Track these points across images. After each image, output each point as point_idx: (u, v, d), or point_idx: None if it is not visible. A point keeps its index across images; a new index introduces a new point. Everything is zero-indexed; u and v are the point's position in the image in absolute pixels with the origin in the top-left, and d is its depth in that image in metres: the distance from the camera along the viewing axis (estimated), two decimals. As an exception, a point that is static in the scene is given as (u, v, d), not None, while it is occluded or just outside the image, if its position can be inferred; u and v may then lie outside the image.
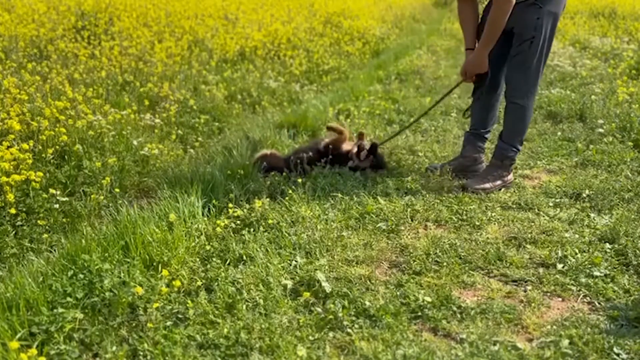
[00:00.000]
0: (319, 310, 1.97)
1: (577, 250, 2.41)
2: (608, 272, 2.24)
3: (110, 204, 2.83)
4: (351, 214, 2.77)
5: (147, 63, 5.20)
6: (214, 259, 2.30)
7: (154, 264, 2.20)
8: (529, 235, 2.55)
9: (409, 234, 2.61)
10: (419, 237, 2.58)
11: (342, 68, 6.82)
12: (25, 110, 3.43)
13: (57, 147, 3.18)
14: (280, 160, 3.39)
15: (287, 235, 2.52)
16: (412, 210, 2.82)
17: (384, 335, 1.85)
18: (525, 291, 2.14)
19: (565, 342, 1.82)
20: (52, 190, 2.70)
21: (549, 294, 2.14)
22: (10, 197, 2.54)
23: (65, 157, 3.18)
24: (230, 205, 2.71)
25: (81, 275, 2.01)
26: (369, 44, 8.77)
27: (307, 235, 2.52)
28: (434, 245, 2.46)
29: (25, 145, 2.91)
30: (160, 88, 4.59)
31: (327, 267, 2.28)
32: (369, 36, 9.21)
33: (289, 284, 2.13)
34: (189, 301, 1.99)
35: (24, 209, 2.62)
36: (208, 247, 2.41)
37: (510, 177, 3.21)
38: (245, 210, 2.73)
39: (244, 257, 2.32)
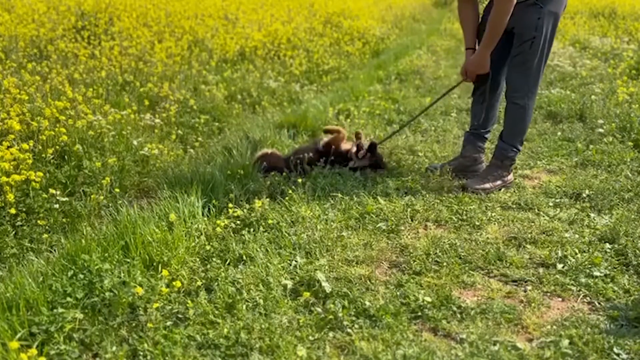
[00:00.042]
0: (319, 310, 1.97)
1: (577, 250, 2.41)
2: (608, 272, 2.24)
3: (110, 204, 2.83)
4: (351, 214, 2.77)
5: (147, 63, 5.20)
6: (214, 259, 2.30)
7: (154, 264, 2.20)
8: (529, 235, 2.55)
9: (409, 234, 2.61)
10: (419, 237, 2.58)
11: (342, 68, 6.82)
12: (25, 110, 3.43)
13: (57, 147, 3.18)
14: (281, 160, 3.39)
15: (287, 235, 2.52)
16: (412, 210, 2.82)
17: (384, 335, 1.85)
18: (525, 291, 2.14)
19: (565, 342, 1.82)
20: (52, 190, 2.70)
21: (549, 294, 2.14)
22: (10, 197, 2.54)
23: (65, 157, 3.18)
24: (230, 205, 2.71)
25: (81, 275, 2.01)
26: (369, 44, 8.77)
27: (307, 235, 2.52)
28: (434, 245, 2.46)
29: (25, 145, 2.91)
30: (160, 88, 4.60)
31: (327, 267, 2.28)
32: (369, 36, 9.21)
33: (289, 284, 2.13)
34: (189, 301, 1.99)
35: (24, 209, 2.61)
36: (208, 247, 2.41)
37: (510, 177, 3.21)
38: (245, 210, 2.73)
39: (244, 257, 2.32)
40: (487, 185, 3.11)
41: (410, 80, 6.51)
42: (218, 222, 2.56)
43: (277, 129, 4.15)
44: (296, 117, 4.37)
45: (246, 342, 1.79)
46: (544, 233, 2.60)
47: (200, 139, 4.01)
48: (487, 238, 2.56)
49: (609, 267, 2.28)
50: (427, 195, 3.02)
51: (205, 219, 2.65)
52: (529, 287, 2.17)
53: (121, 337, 1.81)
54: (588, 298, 2.10)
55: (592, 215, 2.78)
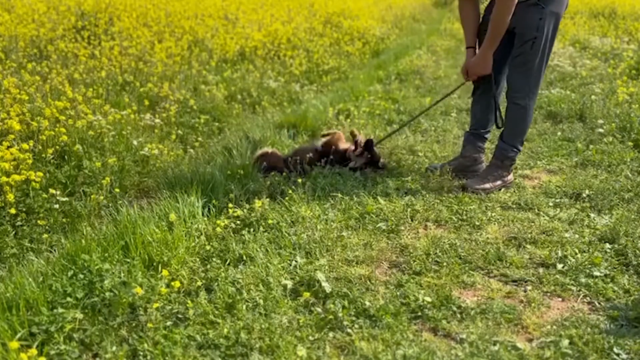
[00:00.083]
0: (319, 310, 1.97)
1: (577, 250, 2.41)
2: (608, 272, 2.24)
3: (110, 204, 2.83)
4: (351, 214, 2.77)
5: (147, 63, 5.20)
6: (214, 259, 2.30)
7: (154, 264, 2.20)
8: (529, 235, 2.55)
9: (409, 234, 2.61)
10: (419, 237, 2.58)
11: (342, 68, 6.82)
12: (25, 110, 3.43)
13: (57, 147, 3.18)
14: (280, 159, 3.39)
15: (287, 235, 2.52)
16: (412, 210, 2.82)
17: (384, 335, 1.85)
18: (525, 291, 2.14)
19: (565, 342, 1.82)
20: (52, 190, 2.70)
21: (549, 294, 2.14)
22: (10, 197, 2.54)
23: (65, 157, 3.18)
24: (230, 205, 2.71)
25: (81, 275, 2.00)
26: (369, 44, 8.77)
27: (307, 235, 2.52)
28: (434, 245, 2.46)
29: (25, 145, 2.91)
30: (160, 88, 4.60)
31: (327, 267, 2.28)
32: (369, 36, 9.21)
33: (289, 284, 2.13)
34: (189, 301, 1.99)
35: (24, 209, 2.61)
36: (208, 247, 2.40)
37: (510, 177, 3.21)
38: (245, 210, 2.73)
39: (244, 257, 2.32)
40: (487, 185, 3.11)
41: (410, 80, 6.51)
42: (218, 222, 2.56)
43: (277, 129, 4.15)
44: (296, 117, 4.37)
45: (246, 342, 1.79)
46: (544, 233, 2.60)
47: (200, 139, 4.01)
48: (487, 238, 2.56)
49: (609, 267, 2.28)
50: (427, 195, 3.02)
51: (205, 219, 2.65)
52: (529, 287, 2.17)
53: (121, 337, 1.81)
54: (588, 298, 2.10)
55: (592, 215, 2.78)
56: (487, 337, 1.85)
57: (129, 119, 3.81)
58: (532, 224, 2.70)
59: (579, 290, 2.14)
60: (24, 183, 2.70)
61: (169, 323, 1.88)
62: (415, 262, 2.33)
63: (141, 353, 1.73)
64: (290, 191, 2.92)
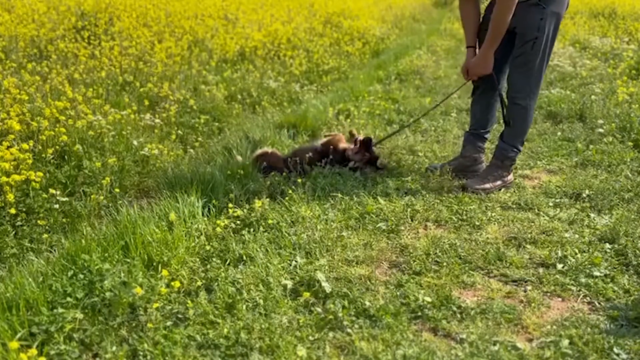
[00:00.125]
0: (319, 310, 1.97)
1: (577, 250, 2.41)
2: (608, 272, 2.24)
3: (110, 204, 2.83)
4: (351, 214, 2.77)
5: (147, 63, 5.20)
6: (214, 259, 2.30)
7: (154, 264, 2.20)
8: (529, 235, 2.55)
9: (409, 234, 2.61)
10: (419, 237, 2.58)
11: (342, 68, 6.82)
12: (25, 110, 3.43)
13: (57, 147, 3.18)
14: (280, 159, 3.39)
15: (287, 235, 2.52)
16: (412, 210, 2.82)
17: (384, 335, 1.85)
18: (525, 291, 2.14)
19: (565, 342, 1.82)
20: (52, 190, 2.70)
21: (549, 294, 2.14)
22: (10, 197, 2.54)
23: (65, 157, 3.18)
24: (230, 205, 2.71)
25: (81, 275, 2.01)
26: (369, 44, 8.77)
27: (307, 235, 2.52)
28: (434, 245, 2.46)
29: (25, 145, 2.91)
30: (160, 88, 4.59)
31: (327, 267, 2.28)
32: (369, 36, 9.21)
33: (289, 284, 2.13)
34: (189, 301, 1.99)
35: (24, 209, 2.61)
36: (208, 247, 2.41)
37: (510, 177, 3.21)
38: (245, 210, 2.73)
39: (244, 257, 2.32)
40: (487, 186, 3.11)
41: (410, 80, 6.51)
42: (218, 222, 2.56)
43: (277, 129, 4.15)
44: (296, 117, 4.37)
45: (246, 342, 1.79)
46: (544, 233, 2.60)
47: (200, 139, 4.01)
48: (487, 238, 2.56)
49: (609, 267, 2.28)
50: (427, 195, 3.02)
51: (205, 219, 2.65)
52: (529, 287, 2.17)
53: (121, 337, 1.81)
54: (588, 298, 2.10)
55: (592, 215, 2.78)
56: (487, 337, 1.85)
57: (129, 119, 3.81)
58: (532, 224, 2.70)
59: (579, 290, 2.14)
60: (24, 183, 2.70)
61: (169, 323, 1.88)
62: (415, 262, 2.33)
63: (141, 353, 1.73)
64: (290, 191, 2.92)
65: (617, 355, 1.77)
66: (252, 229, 2.57)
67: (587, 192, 3.03)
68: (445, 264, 2.32)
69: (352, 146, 3.46)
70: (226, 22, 7.65)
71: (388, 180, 3.21)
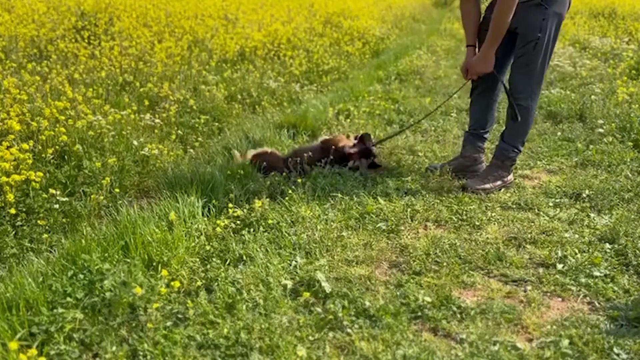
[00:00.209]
0: (319, 310, 1.97)
1: (577, 250, 2.41)
2: (608, 272, 2.24)
3: (110, 204, 2.83)
4: (351, 214, 2.77)
5: (147, 63, 5.20)
6: (214, 259, 2.30)
7: (154, 264, 2.20)
8: (529, 235, 2.55)
9: (409, 234, 2.61)
10: (419, 237, 2.58)
11: (342, 68, 6.82)
12: (25, 110, 3.43)
13: (57, 147, 3.18)
14: (280, 159, 3.39)
15: (287, 235, 2.52)
16: (412, 210, 2.82)
17: (384, 335, 1.85)
18: (525, 291, 2.14)
19: (565, 342, 1.82)
20: (52, 190, 2.70)
21: (549, 294, 2.14)
22: (10, 197, 2.54)
23: (65, 157, 3.18)
24: (230, 205, 2.71)
25: (81, 275, 2.00)
26: (368, 44, 8.77)
27: (307, 235, 2.52)
28: (434, 245, 2.46)
29: (25, 145, 2.91)
30: (160, 88, 4.59)
31: (327, 267, 2.28)
32: (369, 36, 9.21)
33: (289, 284, 2.13)
34: (189, 301, 1.99)
35: (24, 209, 2.61)
36: (208, 247, 2.41)
37: (510, 177, 3.21)
38: (245, 210, 2.73)
39: (244, 257, 2.32)
40: (487, 186, 3.11)
41: (410, 80, 6.51)
42: (218, 222, 2.56)
43: (277, 129, 4.15)
44: (296, 117, 4.37)
45: (246, 342, 1.79)
46: (544, 233, 2.60)
47: (200, 139, 4.01)
48: (487, 238, 2.56)
49: (609, 267, 2.28)
50: (427, 195, 3.02)
51: (205, 219, 2.65)
52: (529, 287, 2.17)
53: (121, 337, 1.81)
54: (588, 298, 2.10)
55: (592, 215, 2.78)
56: (487, 337, 1.85)
57: (129, 119, 3.81)
58: (532, 224, 2.70)
59: (579, 290, 2.14)
60: (24, 183, 2.70)
61: (169, 323, 1.88)
62: (415, 262, 2.33)
63: (141, 353, 1.73)
64: (290, 191, 2.92)
65: (617, 355, 1.77)
66: (252, 229, 2.57)
67: (587, 192, 3.03)
68: (445, 264, 2.32)
69: (351, 143, 3.49)
70: (226, 22, 7.65)
71: (388, 180, 3.21)
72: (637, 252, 2.37)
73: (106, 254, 2.16)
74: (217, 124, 4.40)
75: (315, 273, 2.18)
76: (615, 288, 2.13)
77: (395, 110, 4.96)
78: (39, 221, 2.54)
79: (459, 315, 1.98)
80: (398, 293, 2.11)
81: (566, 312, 2.02)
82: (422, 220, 2.75)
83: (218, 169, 3.16)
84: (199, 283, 2.12)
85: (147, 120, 3.96)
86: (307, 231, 2.56)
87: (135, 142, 3.52)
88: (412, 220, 2.74)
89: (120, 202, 2.82)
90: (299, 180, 3.05)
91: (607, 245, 2.45)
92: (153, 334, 1.81)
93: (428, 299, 2.04)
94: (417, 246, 2.47)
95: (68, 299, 1.89)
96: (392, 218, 2.73)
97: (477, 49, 3.15)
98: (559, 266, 2.30)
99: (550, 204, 2.93)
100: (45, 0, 7.25)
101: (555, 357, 1.76)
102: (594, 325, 1.92)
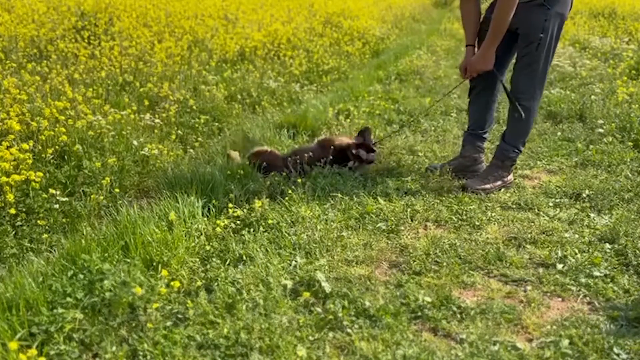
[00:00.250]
0: (319, 310, 1.97)
1: (577, 250, 2.41)
2: (608, 272, 2.24)
3: (110, 204, 2.83)
4: (351, 214, 2.77)
5: (147, 63, 5.20)
6: (214, 259, 2.30)
7: (154, 264, 2.20)
8: (529, 235, 2.55)
9: (409, 234, 2.61)
10: (418, 237, 2.58)
11: (342, 68, 6.82)
12: (25, 110, 3.43)
13: (57, 147, 3.18)
14: (279, 159, 3.39)
15: (287, 235, 2.52)
16: (412, 210, 2.82)
17: (384, 335, 1.85)
18: (525, 291, 2.14)
19: (565, 342, 1.82)
20: (52, 190, 2.70)
21: (549, 294, 2.14)
22: (10, 197, 2.54)
23: (65, 157, 3.18)
24: (230, 205, 2.71)
25: (81, 276, 2.00)
26: (368, 44, 8.77)
27: (307, 235, 2.52)
28: (434, 245, 2.46)
29: (25, 145, 2.91)
30: (160, 88, 4.59)
31: (327, 267, 2.28)
32: (368, 36, 9.21)
33: (289, 284, 2.13)
34: (189, 301, 1.99)
35: (24, 209, 2.61)
36: (208, 247, 2.40)
37: (510, 177, 3.21)
38: (245, 210, 2.73)
39: (244, 257, 2.32)
40: (487, 186, 3.11)
41: (410, 80, 6.51)
42: (218, 222, 2.56)
43: (277, 129, 4.15)
44: (296, 117, 4.37)
45: (246, 342, 1.79)
46: (544, 233, 2.60)
47: (200, 139, 4.01)
48: (487, 238, 2.56)
49: (609, 267, 2.28)
50: (427, 195, 3.02)
51: (205, 219, 2.65)
52: (529, 287, 2.17)
53: (121, 337, 1.81)
54: (588, 298, 2.10)
55: (592, 215, 2.78)
56: (487, 337, 1.85)
57: (128, 119, 3.81)
58: (532, 224, 2.70)
59: (579, 290, 2.14)
60: (24, 183, 2.70)
61: (168, 323, 1.88)
62: (415, 262, 2.33)
63: (141, 353, 1.73)
64: (290, 191, 2.92)
65: (617, 355, 1.77)
66: (252, 229, 2.57)
67: (587, 192, 3.03)
68: (445, 264, 2.32)
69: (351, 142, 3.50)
70: (226, 22, 7.65)
71: (388, 180, 3.21)
72: (637, 252, 2.37)
73: (106, 254, 2.16)
74: (217, 124, 4.40)
75: (315, 273, 2.18)
76: (615, 288, 2.13)
77: (395, 110, 4.96)
78: (38, 221, 2.54)
79: (459, 315, 1.98)
80: (398, 293, 2.10)
81: (566, 312, 2.02)
82: (422, 220, 2.75)
83: (218, 169, 3.16)
84: (199, 283, 2.12)
85: (147, 120, 3.96)
86: (307, 231, 2.56)
87: (135, 142, 3.52)
88: (412, 220, 2.74)
89: (120, 202, 2.82)
90: (299, 180, 3.05)
91: (607, 245, 2.45)
92: (153, 334, 1.81)
93: (428, 299, 2.04)
94: (417, 246, 2.47)
95: (68, 299, 1.89)
96: (392, 218, 2.73)
97: (476, 49, 3.15)
98: (559, 266, 2.30)
99: (550, 204, 2.93)
100: (45, 0, 7.25)
101: (555, 357, 1.76)
102: (594, 325, 1.92)
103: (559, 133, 4.19)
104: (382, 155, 3.70)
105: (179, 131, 4.05)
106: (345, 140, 3.52)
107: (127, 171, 3.22)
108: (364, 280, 2.19)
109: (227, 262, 2.30)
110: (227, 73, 5.58)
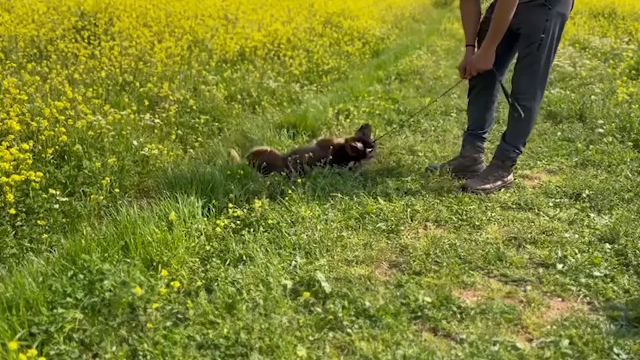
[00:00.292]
0: (319, 310, 1.97)
1: (577, 250, 2.41)
2: (608, 272, 2.24)
3: (110, 204, 2.83)
4: (351, 214, 2.77)
5: (147, 63, 5.20)
6: (214, 259, 2.30)
7: (154, 264, 2.20)
8: (529, 235, 2.55)
9: (409, 234, 2.61)
10: (418, 237, 2.58)
11: (342, 68, 6.82)
12: (25, 110, 3.43)
13: (57, 147, 3.18)
14: (279, 159, 3.39)
15: (287, 235, 2.52)
16: (412, 210, 2.82)
17: (384, 335, 1.85)
18: (525, 291, 2.14)
19: (565, 342, 1.82)
20: (52, 191, 2.70)
21: (549, 294, 2.14)
22: (10, 197, 2.54)
23: (65, 157, 3.18)
24: (230, 205, 2.71)
25: (81, 276, 2.00)
26: (368, 44, 8.77)
27: (307, 235, 2.52)
28: (434, 245, 2.46)
29: (25, 145, 2.91)
30: (160, 88, 4.59)
31: (327, 267, 2.28)
32: (368, 36, 9.21)
33: (289, 284, 2.13)
34: (189, 301, 1.99)
35: (24, 209, 2.61)
36: (208, 247, 2.40)
37: (510, 177, 3.21)
38: (245, 210, 2.73)
39: (244, 257, 2.32)
40: (487, 186, 3.11)
41: (410, 80, 6.51)
42: (218, 222, 2.56)
43: (277, 129, 4.14)
44: (296, 117, 4.37)
45: (246, 342, 1.79)
46: (544, 233, 2.60)
47: (200, 139, 4.01)
48: (487, 238, 2.56)
49: (609, 267, 2.28)
50: (427, 195, 3.02)
51: (205, 219, 2.65)
52: (529, 287, 2.17)
53: (121, 337, 1.81)
54: (588, 298, 2.10)
55: (592, 215, 2.78)
56: (487, 337, 1.85)
57: (128, 119, 3.81)
58: (532, 224, 2.70)
59: (579, 290, 2.14)
60: (24, 183, 2.70)
61: (168, 323, 1.88)
62: (415, 262, 2.33)
63: (141, 353, 1.73)
64: (290, 191, 2.92)
65: (617, 355, 1.77)
66: (252, 229, 2.57)
67: (587, 192, 3.03)
68: (445, 264, 2.32)
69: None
70: (226, 22, 7.65)
71: (388, 180, 3.21)
72: (637, 252, 2.37)
73: (106, 254, 2.16)
74: (217, 124, 4.40)
75: (315, 273, 2.18)
76: (615, 288, 2.13)
77: (395, 110, 4.96)
78: (38, 221, 2.54)
79: (459, 315, 1.98)
80: (398, 293, 2.10)
81: (566, 312, 2.02)
82: (422, 220, 2.75)
83: (218, 169, 3.16)
84: (199, 283, 2.12)
85: (147, 120, 3.95)
86: (307, 231, 2.56)
87: (135, 142, 3.52)
88: (412, 220, 2.74)
89: (120, 202, 2.82)
90: (299, 180, 3.05)
91: (607, 245, 2.45)
92: (153, 334, 1.81)
93: (428, 299, 2.04)
94: (417, 246, 2.47)
95: (68, 299, 1.89)
96: (392, 218, 2.73)
97: (476, 49, 3.14)
98: (559, 266, 2.30)
99: (550, 204, 2.93)
100: (45, 0, 7.25)
101: (555, 357, 1.76)
102: (594, 325, 1.92)
103: (559, 133, 4.19)
104: (382, 155, 3.70)
105: (179, 131, 4.05)
106: (344, 139, 3.53)
107: (127, 171, 3.22)
108: (364, 280, 2.19)
109: (227, 262, 2.30)
110: (227, 73, 5.58)
